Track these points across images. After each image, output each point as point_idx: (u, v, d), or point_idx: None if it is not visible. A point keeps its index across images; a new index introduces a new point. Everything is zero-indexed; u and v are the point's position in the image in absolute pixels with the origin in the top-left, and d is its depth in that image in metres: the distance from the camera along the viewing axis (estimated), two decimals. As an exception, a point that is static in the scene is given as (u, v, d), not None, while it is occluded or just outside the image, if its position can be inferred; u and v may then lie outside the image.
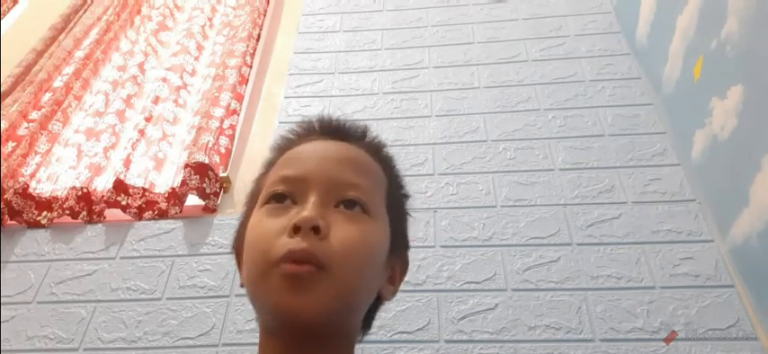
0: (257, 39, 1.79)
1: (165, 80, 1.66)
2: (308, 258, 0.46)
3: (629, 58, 1.58)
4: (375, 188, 0.54)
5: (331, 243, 0.48)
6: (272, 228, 0.49)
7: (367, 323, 0.58)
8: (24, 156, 1.43)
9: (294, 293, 0.46)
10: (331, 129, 0.58)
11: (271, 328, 0.50)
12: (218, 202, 1.37)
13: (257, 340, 0.56)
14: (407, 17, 1.84)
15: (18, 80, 1.67)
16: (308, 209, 0.49)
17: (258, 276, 0.48)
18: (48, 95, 1.61)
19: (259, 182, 0.58)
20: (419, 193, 1.32)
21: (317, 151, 0.55)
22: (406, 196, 0.61)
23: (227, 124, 1.47)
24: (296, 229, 0.47)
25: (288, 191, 0.51)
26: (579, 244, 1.18)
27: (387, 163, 0.59)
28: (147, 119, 1.53)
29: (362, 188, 0.52)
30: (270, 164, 0.58)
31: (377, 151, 0.58)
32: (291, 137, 0.59)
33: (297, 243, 0.47)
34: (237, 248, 0.58)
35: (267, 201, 0.52)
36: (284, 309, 0.46)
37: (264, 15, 1.91)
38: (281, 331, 0.49)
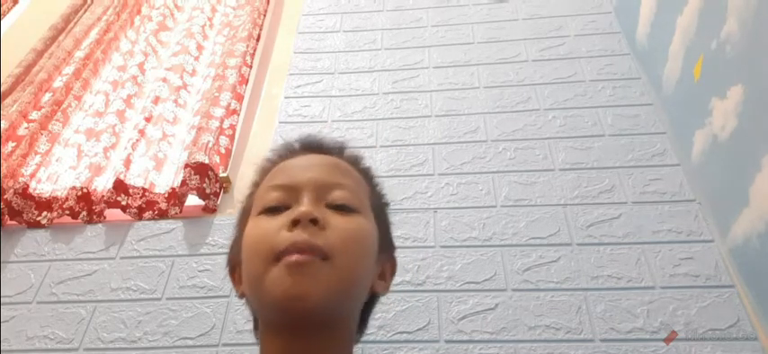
0: (257, 39, 1.79)
1: (165, 80, 1.66)
2: (311, 247, 0.49)
3: (629, 58, 1.58)
4: (359, 189, 0.59)
5: (330, 233, 0.51)
6: (270, 227, 0.52)
7: (363, 321, 0.61)
8: (24, 156, 1.43)
9: (298, 279, 0.48)
10: (312, 145, 0.63)
11: (273, 323, 0.52)
12: (218, 202, 1.37)
13: (257, 340, 0.57)
14: (407, 17, 1.84)
15: (18, 80, 1.67)
16: (304, 205, 0.52)
17: (260, 271, 0.50)
18: (48, 95, 1.61)
19: (248, 201, 0.62)
20: (419, 193, 1.32)
21: (303, 162, 0.59)
22: (387, 203, 0.66)
23: (227, 124, 1.47)
24: (295, 223, 0.50)
25: (281, 200, 0.54)
26: (579, 244, 1.18)
27: (366, 174, 0.63)
28: (147, 119, 1.53)
29: (348, 187, 0.56)
30: (256, 185, 0.61)
31: (356, 162, 0.63)
32: (275, 158, 0.63)
33: (298, 235, 0.49)
34: (232, 264, 0.60)
35: (261, 212, 0.54)
36: (289, 296, 0.47)
37: (264, 15, 1.91)
38: (284, 325, 0.51)
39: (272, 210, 0.54)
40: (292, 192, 0.54)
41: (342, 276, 0.50)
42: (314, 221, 0.50)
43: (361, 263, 0.53)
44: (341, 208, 0.54)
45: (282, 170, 0.58)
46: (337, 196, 0.55)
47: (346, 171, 0.59)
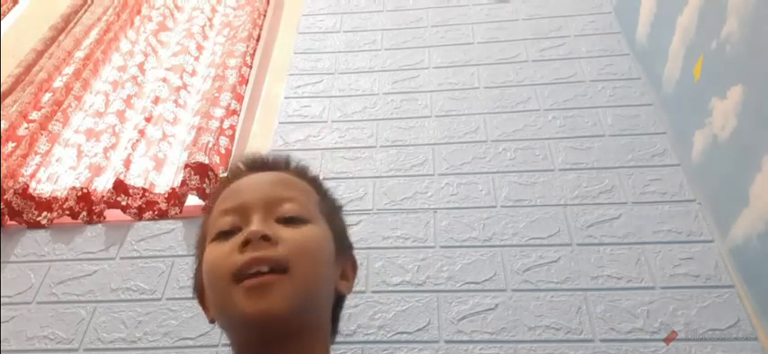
0: (257, 40, 1.79)
1: (165, 80, 1.66)
2: (265, 260, 0.50)
3: (629, 58, 1.58)
4: (307, 199, 0.60)
5: (282, 246, 0.52)
6: (223, 251, 0.53)
7: (333, 322, 0.62)
8: (24, 156, 1.43)
9: (260, 299, 0.49)
10: (257, 164, 0.64)
11: (245, 342, 0.53)
12: (218, 202, 1.37)
13: None
14: (407, 17, 1.84)
15: (18, 80, 1.67)
16: (253, 224, 0.53)
17: (222, 295, 0.51)
18: (48, 95, 1.61)
19: (203, 227, 0.62)
20: (419, 193, 1.32)
21: (250, 182, 0.60)
22: (340, 207, 0.67)
23: (227, 124, 1.47)
24: (246, 243, 0.52)
25: (232, 224, 0.55)
26: (579, 244, 1.18)
27: (314, 182, 0.65)
28: (147, 120, 1.53)
29: (296, 199, 0.58)
30: (209, 212, 0.62)
31: (303, 173, 0.64)
32: (223, 182, 0.64)
33: (249, 254, 0.51)
34: (199, 290, 0.61)
35: (215, 238, 0.55)
36: (254, 315, 0.49)
37: (264, 15, 1.91)
38: (256, 342, 0.52)
39: (225, 235, 0.55)
40: (242, 213, 0.56)
41: (302, 286, 0.51)
42: (265, 238, 0.51)
43: (318, 269, 0.55)
44: (291, 221, 0.55)
45: (230, 193, 0.59)
46: (286, 209, 0.56)
47: (293, 183, 0.60)
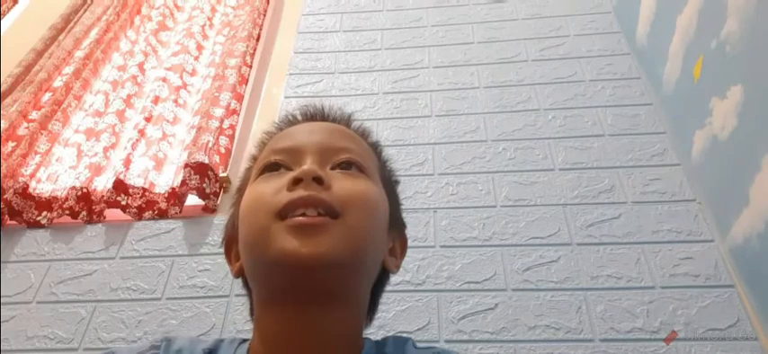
0: (257, 39, 1.79)
1: (164, 80, 1.66)
2: (315, 204, 0.44)
3: (629, 58, 1.58)
4: (368, 156, 0.54)
5: (335, 192, 0.46)
6: (268, 189, 0.47)
7: (374, 301, 0.57)
8: (24, 156, 1.43)
9: (301, 239, 0.42)
10: (316, 115, 0.58)
11: (274, 294, 0.47)
12: (218, 202, 1.37)
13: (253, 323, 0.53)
14: (407, 17, 1.84)
15: (18, 80, 1.67)
16: (307, 164, 0.47)
17: (259, 234, 0.45)
18: (48, 95, 1.61)
19: (246, 175, 0.57)
20: (419, 193, 1.32)
21: (306, 127, 0.55)
22: (397, 181, 0.61)
23: (227, 124, 1.47)
24: (296, 181, 0.45)
25: (282, 160, 0.50)
26: (579, 244, 1.18)
27: (376, 147, 0.59)
28: (147, 119, 1.53)
29: (356, 152, 0.52)
30: (254, 159, 0.57)
31: (365, 134, 0.58)
32: (275, 131, 0.58)
33: (299, 193, 0.45)
34: (228, 240, 0.55)
35: (260, 173, 0.50)
36: (295, 255, 0.42)
37: (264, 15, 1.91)
38: (288, 293, 0.45)
39: (272, 169, 0.49)
40: (295, 155, 0.50)
41: (352, 237, 0.45)
42: (318, 180, 0.45)
43: (371, 225, 0.48)
44: (348, 167, 0.49)
45: (284, 135, 0.54)
46: (343, 158, 0.50)
47: (353, 138, 0.55)
